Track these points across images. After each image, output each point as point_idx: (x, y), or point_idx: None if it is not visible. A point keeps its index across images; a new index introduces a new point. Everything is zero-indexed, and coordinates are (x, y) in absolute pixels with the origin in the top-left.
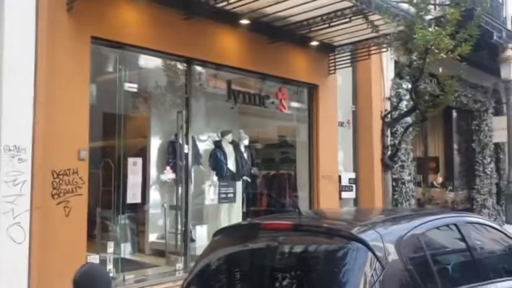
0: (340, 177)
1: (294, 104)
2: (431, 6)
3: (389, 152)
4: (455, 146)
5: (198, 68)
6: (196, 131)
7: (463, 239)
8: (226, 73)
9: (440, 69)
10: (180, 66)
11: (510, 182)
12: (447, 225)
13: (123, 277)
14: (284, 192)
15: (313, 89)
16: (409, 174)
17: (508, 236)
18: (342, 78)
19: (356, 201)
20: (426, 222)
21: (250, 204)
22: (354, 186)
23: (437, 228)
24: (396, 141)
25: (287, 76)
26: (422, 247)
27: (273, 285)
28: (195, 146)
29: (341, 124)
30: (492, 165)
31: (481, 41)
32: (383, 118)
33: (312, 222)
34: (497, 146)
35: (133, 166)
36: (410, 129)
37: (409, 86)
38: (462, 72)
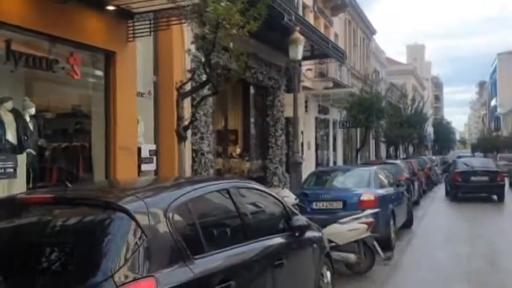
0: (140, 149)
1: (89, 71)
2: None
3: (183, 123)
4: (252, 120)
5: None
6: None
7: (233, 204)
8: (7, 32)
9: (231, 45)
10: None
11: (294, 152)
12: (218, 191)
13: None
14: (77, 165)
15: (110, 56)
16: (209, 145)
17: (277, 199)
18: (143, 47)
19: (157, 173)
20: (196, 189)
21: (37, 180)
22: (154, 158)
23: (208, 194)
24: (196, 113)
25: (80, 40)
26: (190, 213)
27: (33, 263)
28: None
29: (141, 95)
30: (283, 137)
31: (274, 22)
32: (178, 89)
33: (77, 194)
34: (288, 120)
35: None
36: (205, 101)
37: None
38: (251, 48)
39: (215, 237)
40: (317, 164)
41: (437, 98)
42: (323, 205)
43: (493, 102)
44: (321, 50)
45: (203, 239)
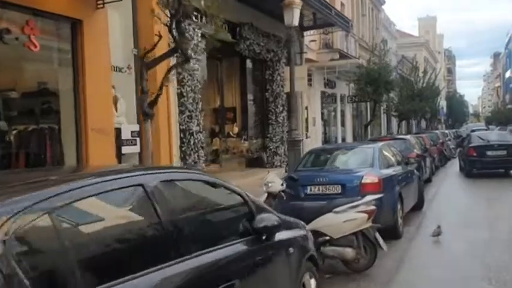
0: (119, 130)
1: (53, 43)
2: None
3: (148, 99)
4: (250, 96)
5: None
6: None
7: (151, 205)
8: None
9: (203, 3)
10: None
11: (292, 129)
12: (124, 189)
13: None
14: (44, 150)
15: (76, 26)
16: (198, 124)
17: (236, 193)
18: (121, 16)
19: (140, 155)
20: (77, 188)
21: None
22: (137, 139)
23: (102, 195)
24: (182, 89)
25: (37, 6)
26: (62, 229)
27: None
28: None
29: (120, 70)
30: (284, 114)
31: None
32: (142, 58)
33: None
34: (289, 95)
35: None
36: (192, 75)
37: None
38: (223, 8)
39: (108, 263)
40: (324, 141)
41: (450, 71)
42: (319, 189)
43: (507, 74)
44: (324, 18)
45: (80, 269)
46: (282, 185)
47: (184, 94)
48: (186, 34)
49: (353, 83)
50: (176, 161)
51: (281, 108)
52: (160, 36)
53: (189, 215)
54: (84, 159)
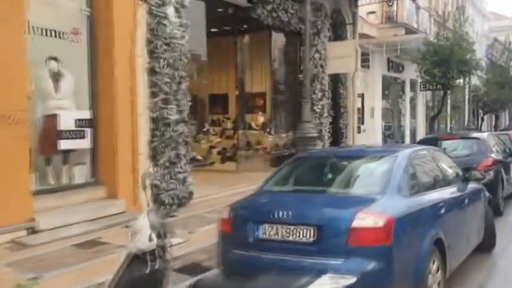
0: (56, 117)
1: None
2: None
3: None
4: (279, 79)
5: None
6: None
7: None
8: None
9: None
10: None
11: (304, 121)
12: None
13: None
14: None
15: None
16: (179, 112)
17: None
18: None
19: (94, 152)
20: None
21: None
22: (88, 131)
23: None
24: (155, 63)
25: None
26: None
27: None
28: None
29: (60, 35)
30: (325, 101)
31: None
32: None
33: None
34: (336, 78)
35: None
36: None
37: None
38: None
39: None
40: (384, 138)
41: None
42: (276, 233)
43: None
44: None
45: None
46: (151, 240)
47: (158, 70)
48: None
49: (416, 63)
50: (143, 161)
51: (320, 95)
52: None
53: None
54: None
